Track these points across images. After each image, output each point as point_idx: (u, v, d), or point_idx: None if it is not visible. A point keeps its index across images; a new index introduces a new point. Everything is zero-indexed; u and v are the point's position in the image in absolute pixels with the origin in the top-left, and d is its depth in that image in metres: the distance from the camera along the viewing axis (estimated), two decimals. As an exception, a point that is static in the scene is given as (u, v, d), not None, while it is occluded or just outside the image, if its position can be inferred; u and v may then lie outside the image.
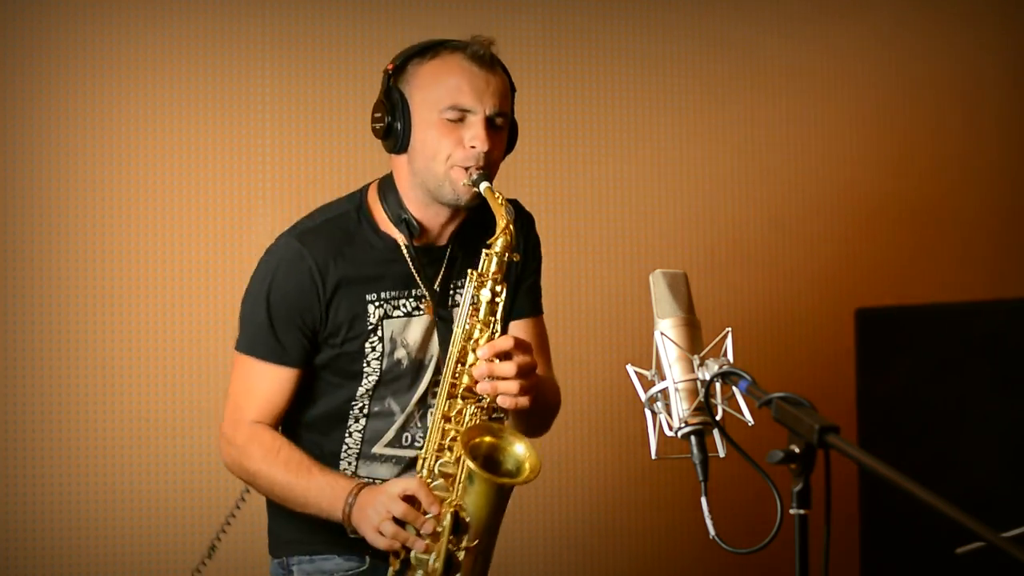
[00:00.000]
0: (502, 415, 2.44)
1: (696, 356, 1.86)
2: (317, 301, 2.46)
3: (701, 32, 4.28)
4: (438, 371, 2.51)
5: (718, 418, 1.85)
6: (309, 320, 2.46)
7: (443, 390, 2.42)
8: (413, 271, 2.50)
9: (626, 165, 4.19)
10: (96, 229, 3.71)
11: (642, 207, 4.20)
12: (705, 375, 1.83)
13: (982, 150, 4.56)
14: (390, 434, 2.53)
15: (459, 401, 2.40)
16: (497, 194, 2.41)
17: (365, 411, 2.52)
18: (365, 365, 2.49)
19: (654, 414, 1.90)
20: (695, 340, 1.90)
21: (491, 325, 2.41)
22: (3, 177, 3.66)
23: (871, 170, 4.45)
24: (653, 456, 1.90)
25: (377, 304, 2.48)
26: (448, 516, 2.30)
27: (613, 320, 4.12)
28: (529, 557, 3.98)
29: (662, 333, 1.89)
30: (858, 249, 4.41)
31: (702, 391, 1.84)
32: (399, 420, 2.52)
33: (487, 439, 2.37)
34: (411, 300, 2.51)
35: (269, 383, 2.49)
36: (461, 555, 2.32)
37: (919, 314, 3.98)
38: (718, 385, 1.84)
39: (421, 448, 2.47)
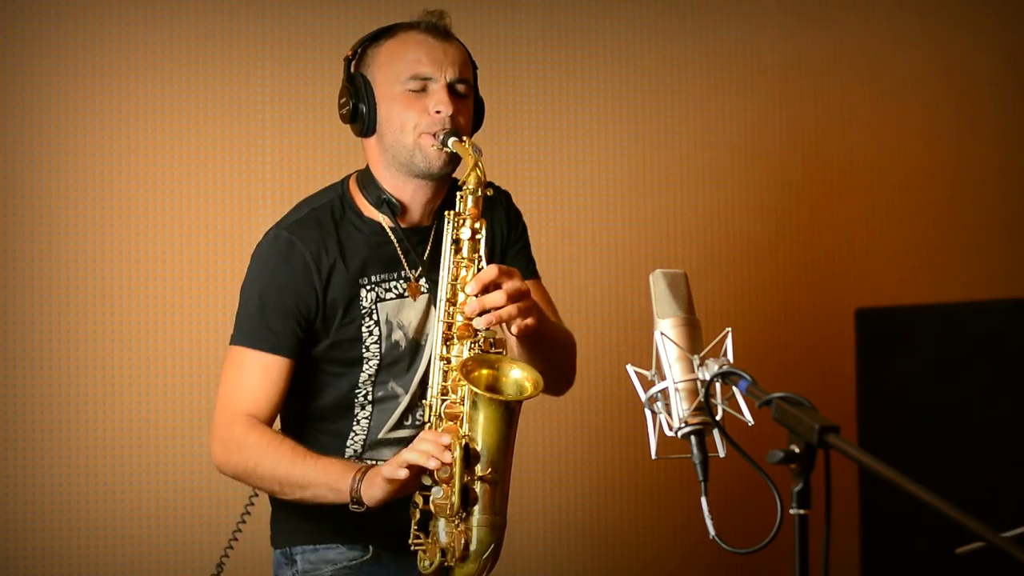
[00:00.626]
0: (500, 350, 2.42)
1: (696, 356, 1.86)
2: (312, 288, 2.47)
3: (701, 32, 4.28)
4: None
5: (718, 418, 1.85)
6: (304, 308, 2.47)
7: (438, 332, 2.41)
8: (399, 253, 2.52)
9: (626, 165, 4.19)
10: (96, 229, 3.71)
11: (642, 207, 4.19)
12: (705, 375, 1.83)
13: (982, 150, 4.56)
14: (395, 417, 2.53)
15: (456, 342, 2.40)
16: (464, 140, 2.44)
17: (370, 397, 2.52)
18: (364, 350, 2.50)
19: (654, 414, 1.90)
20: (695, 340, 1.90)
21: (475, 262, 2.41)
22: (3, 177, 3.66)
23: (871, 170, 4.45)
24: (653, 456, 1.90)
25: (369, 288, 2.50)
26: (458, 448, 2.28)
27: (613, 320, 4.12)
28: (529, 557, 3.98)
29: (662, 333, 1.89)
30: (858, 249, 4.41)
31: (702, 391, 1.84)
32: (404, 402, 2.53)
33: (484, 371, 2.37)
34: (401, 282, 2.53)
35: (262, 373, 2.47)
36: (477, 487, 2.30)
37: (919, 314, 3.98)
38: (718, 385, 1.84)
39: (424, 426, 2.47)
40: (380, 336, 2.50)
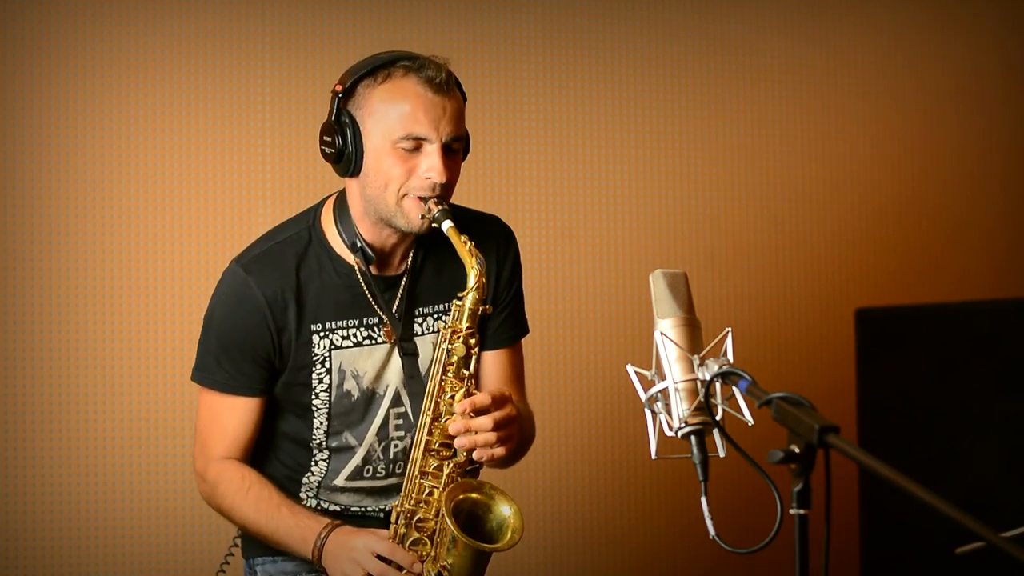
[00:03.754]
0: (477, 466, 2.41)
1: (696, 356, 1.86)
2: (267, 330, 2.41)
3: (701, 32, 4.28)
4: (397, 402, 2.47)
5: (718, 418, 1.84)
6: (262, 350, 2.42)
7: (418, 446, 2.37)
8: (370, 298, 2.44)
9: (626, 165, 4.19)
10: (96, 229, 3.71)
11: (642, 207, 4.19)
12: (705, 375, 1.83)
13: (982, 150, 4.56)
14: (350, 467, 2.50)
15: (434, 457, 2.37)
16: (463, 238, 2.34)
17: (324, 446, 2.48)
18: (314, 397, 2.45)
19: (654, 414, 1.90)
20: (695, 340, 1.90)
21: (464, 380, 2.37)
22: (3, 177, 3.66)
23: (871, 170, 4.45)
24: (653, 456, 1.90)
25: (322, 335, 2.42)
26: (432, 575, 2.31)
27: (613, 320, 4.12)
28: (529, 557, 3.98)
29: (662, 333, 1.89)
30: (858, 249, 4.41)
31: (702, 391, 1.83)
32: (359, 453, 2.49)
33: (472, 495, 2.35)
34: (363, 329, 2.45)
35: (233, 415, 2.45)
36: None
37: (919, 314, 3.98)
38: (718, 385, 1.84)
39: (383, 478, 2.46)
40: (330, 384, 2.44)
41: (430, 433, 2.37)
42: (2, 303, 3.63)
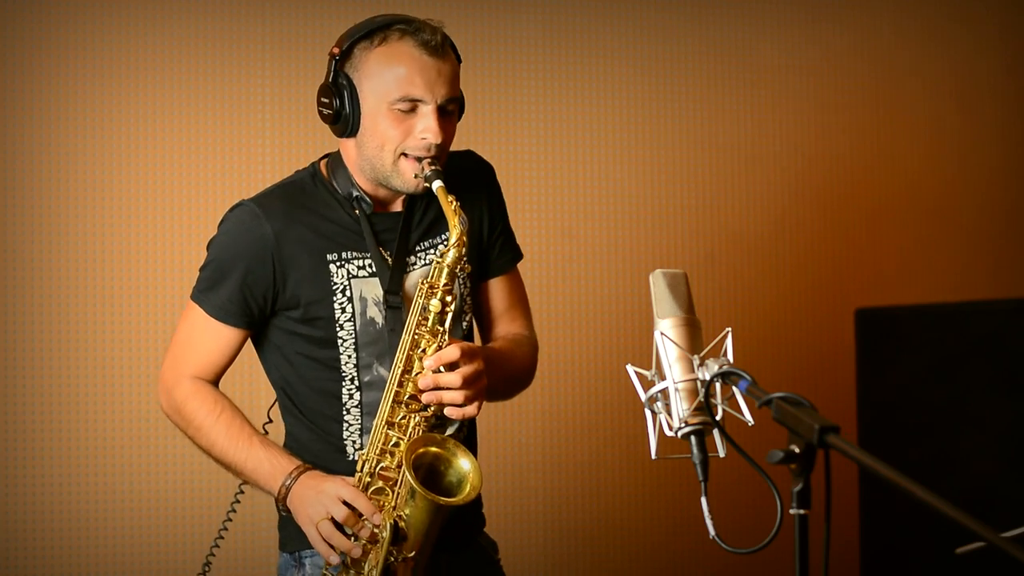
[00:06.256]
0: (444, 423, 2.42)
1: (696, 356, 1.86)
2: (270, 266, 2.44)
3: (700, 33, 4.28)
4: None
5: (718, 418, 1.84)
6: (259, 283, 2.44)
7: (387, 396, 2.39)
8: (373, 233, 2.47)
9: (626, 165, 4.19)
10: (96, 229, 3.71)
11: (642, 207, 4.20)
12: (705, 375, 1.83)
13: (981, 150, 4.56)
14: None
15: (402, 408, 2.39)
16: (450, 198, 2.38)
17: (357, 383, 2.48)
18: (339, 329, 2.46)
19: (654, 414, 1.90)
20: (695, 340, 1.90)
21: (438, 336, 2.39)
22: (3, 177, 3.66)
23: (871, 170, 4.45)
24: (653, 456, 1.90)
25: (339, 264, 2.46)
26: (388, 526, 2.31)
27: (613, 320, 4.12)
28: (529, 557, 3.98)
29: (662, 333, 1.89)
30: (858, 249, 4.41)
31: (702, 391, 1.83)
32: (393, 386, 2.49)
33: (432, 449, 2.38)
34: (374, 261, 2.48)
35: (212, 339, 2.49)
36: (398, 565, 2.33)
37: (919, 314, 3.98)
38: (718, 385, 1.84)
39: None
40: (354, 312, 2.46)
41: (400, 385, 2.39)
42: (2, 303, 3.63)
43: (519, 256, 2.68)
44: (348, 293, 2.46)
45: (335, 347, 2.47)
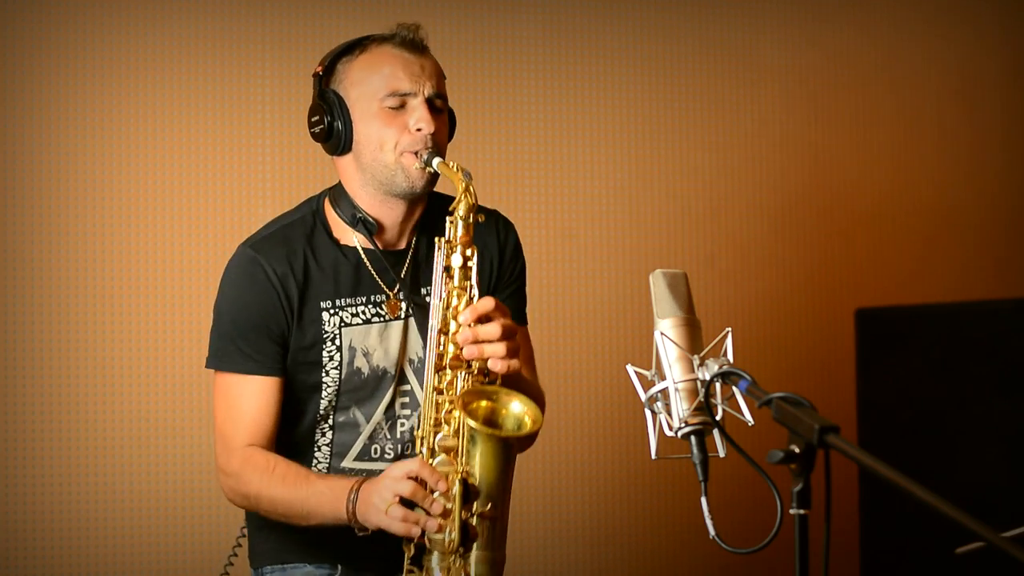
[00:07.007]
0: (495, 379, 2.36)
1: (696, 356, 1.86)
2: (280, 306, 2.41)
3: (700, 33, 4.28)
4: (403, 380, 2.47)
5: (718, 418, 1.85)
6: (276, 328, 2.42)
7: (430, 362, 2.35)
8: (373, 273, 2.46)
9: (626, 165, 4.19)
10: (96, 229, 3.71)
11: (642, 207, 4.20)
12: (705, 375, 1.84)
13: (982, 150, 4.56)
14: (357, 446, 2.48)
15: (448, 371, 2.34)
16: (451, 163, 2.38)
17: (330, 422, 2.47)
18: (324, 375, 2.44)
19: (654, 414, 1.90)
20: (695, 340, 1.90)
21: (467, 290, 2.35)
22: (3, 177, 3.66)
23: (871, 170, 4.45)
24: (653, 456, 1.90)
25: (332, 311, 2.44)
26: (457, 484, 2.24)
27: (613, 320, 4.12)
28: (529, 557, 3.98)
29: (662, 333, 1.89)
30: (858, 249, 4.41)
31: (702, 391, 1.84)
32: (365, 431, 2.48)
33: (483, 403, 2.31)
34: (370, 307, 2.46)
35: (253, 398, 2.42)
36: (476, 523, 2.25)
37: (919, 314, 3.98)
38: (718, 385, 1.84)
39: (392, 460, 2.43)
40: (341, 362, 2.44)
41: (440, 347, 2.34)
42: (2, 303, 3.63)
43: (523, 320, 2.62)
44: (337, 342, 2.44)
45: (317, 391, 2.46)
